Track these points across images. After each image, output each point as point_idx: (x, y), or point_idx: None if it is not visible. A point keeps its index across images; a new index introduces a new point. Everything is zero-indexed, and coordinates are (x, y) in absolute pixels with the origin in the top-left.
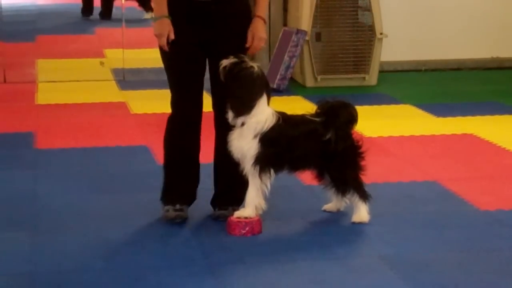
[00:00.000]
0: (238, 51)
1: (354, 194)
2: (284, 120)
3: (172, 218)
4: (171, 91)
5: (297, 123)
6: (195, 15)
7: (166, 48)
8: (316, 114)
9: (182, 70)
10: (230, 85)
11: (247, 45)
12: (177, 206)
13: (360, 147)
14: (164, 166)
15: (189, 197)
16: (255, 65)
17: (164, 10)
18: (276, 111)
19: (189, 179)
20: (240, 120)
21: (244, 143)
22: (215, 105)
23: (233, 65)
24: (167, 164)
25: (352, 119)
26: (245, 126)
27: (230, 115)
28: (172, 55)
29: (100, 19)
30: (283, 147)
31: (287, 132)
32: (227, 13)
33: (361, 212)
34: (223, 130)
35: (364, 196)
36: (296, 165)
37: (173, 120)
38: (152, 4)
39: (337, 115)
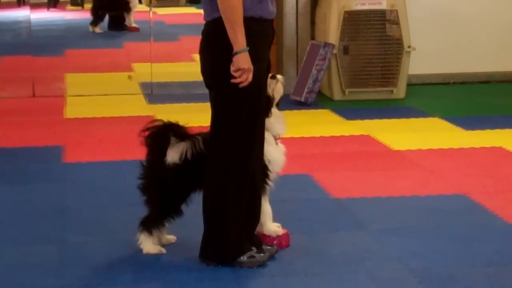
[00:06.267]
0: None
1: None
2: None
3: (265, 260)
4: (247, 141)
5: None
6: (268, 36)
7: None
8: None
9: (259, 106)
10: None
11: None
12: (255, 249)
13: None
14: (228, 224)
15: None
16: None
17: (245, 40)
18: None
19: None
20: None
21: (280, 154)
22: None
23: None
24: (235, 223)
25: None
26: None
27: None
28: (258, 89)
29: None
30: None
31: None
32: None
33: None
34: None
35: None
36: None
37: (244, 182)
38: (231, 32)
39: None
